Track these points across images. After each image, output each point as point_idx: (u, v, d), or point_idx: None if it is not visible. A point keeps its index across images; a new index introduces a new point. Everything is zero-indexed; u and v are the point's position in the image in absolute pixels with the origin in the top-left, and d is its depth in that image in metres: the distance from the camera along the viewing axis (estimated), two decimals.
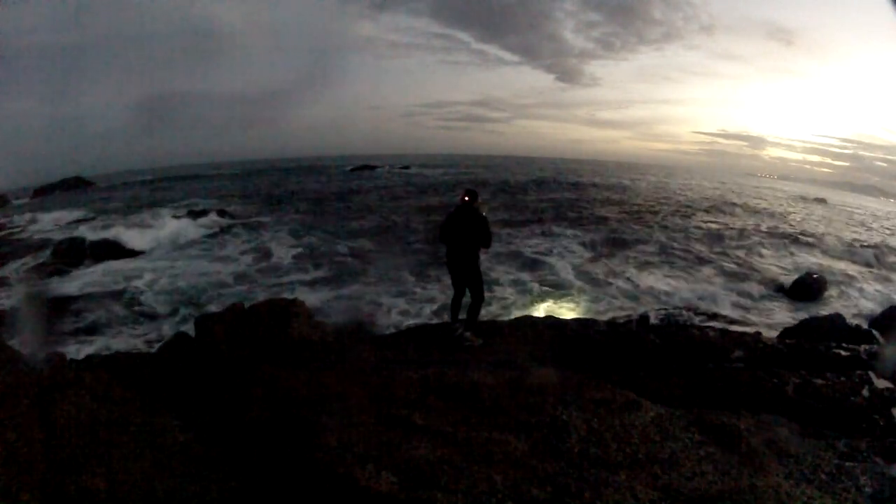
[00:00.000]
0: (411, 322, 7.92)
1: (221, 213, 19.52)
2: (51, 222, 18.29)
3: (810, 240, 17.02)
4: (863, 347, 4.63)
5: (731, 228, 18.13)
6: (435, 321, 7.38)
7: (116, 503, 1.81)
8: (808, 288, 10.53)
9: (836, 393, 3.43)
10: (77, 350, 6.53)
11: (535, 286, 10.50)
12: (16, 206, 26.05)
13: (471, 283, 4.32)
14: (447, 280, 4.87)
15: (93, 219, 18.66)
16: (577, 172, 49.27)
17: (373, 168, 50.33)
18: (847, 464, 1.94)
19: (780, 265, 13.20)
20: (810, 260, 14.09)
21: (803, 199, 35.95)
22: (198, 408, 2.54)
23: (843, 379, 3.54)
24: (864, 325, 6.66)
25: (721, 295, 10.10)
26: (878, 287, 11.69)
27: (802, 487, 1.79)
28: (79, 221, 18.32)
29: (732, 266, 12.62)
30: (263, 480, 2.03)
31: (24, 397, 2.24)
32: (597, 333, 4.59)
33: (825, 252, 15.24)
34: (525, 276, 11.13)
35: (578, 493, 1.84)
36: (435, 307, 8.85)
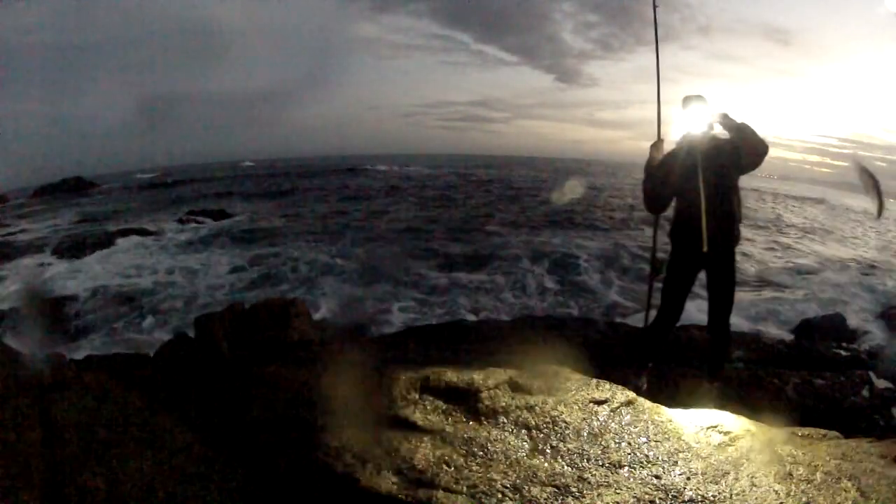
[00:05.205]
0: (414, 323, 7.91)
1: (222, 213, 19.55)
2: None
3: (813, 237, 17.03)
4: (863, 347, 4.65)
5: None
6: (437, 321, 7.37)
7: (116, 503, 1.81)
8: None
9: (836, 393, 3.44)
10: (77, 350, 6.53)
11: (558, 286, 10.49)
12: (15, 205, 26.09)
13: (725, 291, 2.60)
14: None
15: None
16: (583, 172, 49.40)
17: (376, 168, 50.58)
18: (847, 464, 1.94)
19: (782, 264, 13.21)
20: (810, 258, 14.09)
21: (803, 198, 36.01)
22: (198, 408, 2.54)
23: (843, 379, 3.56)
24: (865, 325, 6.66)
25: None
26: (878, 287, 11.68)
27: (802, 487, 1.79)
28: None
29: (747, 263, 12.65)
30: (264, 480, 2.03)
31: (24, 397, 2.24)
32: (597, 333, 4.61)
33: (825, 250, 15.23)
34: (549, 275, 11.10)
35: (578, 493, 1.85)
36: (440, 309, 8.84)
